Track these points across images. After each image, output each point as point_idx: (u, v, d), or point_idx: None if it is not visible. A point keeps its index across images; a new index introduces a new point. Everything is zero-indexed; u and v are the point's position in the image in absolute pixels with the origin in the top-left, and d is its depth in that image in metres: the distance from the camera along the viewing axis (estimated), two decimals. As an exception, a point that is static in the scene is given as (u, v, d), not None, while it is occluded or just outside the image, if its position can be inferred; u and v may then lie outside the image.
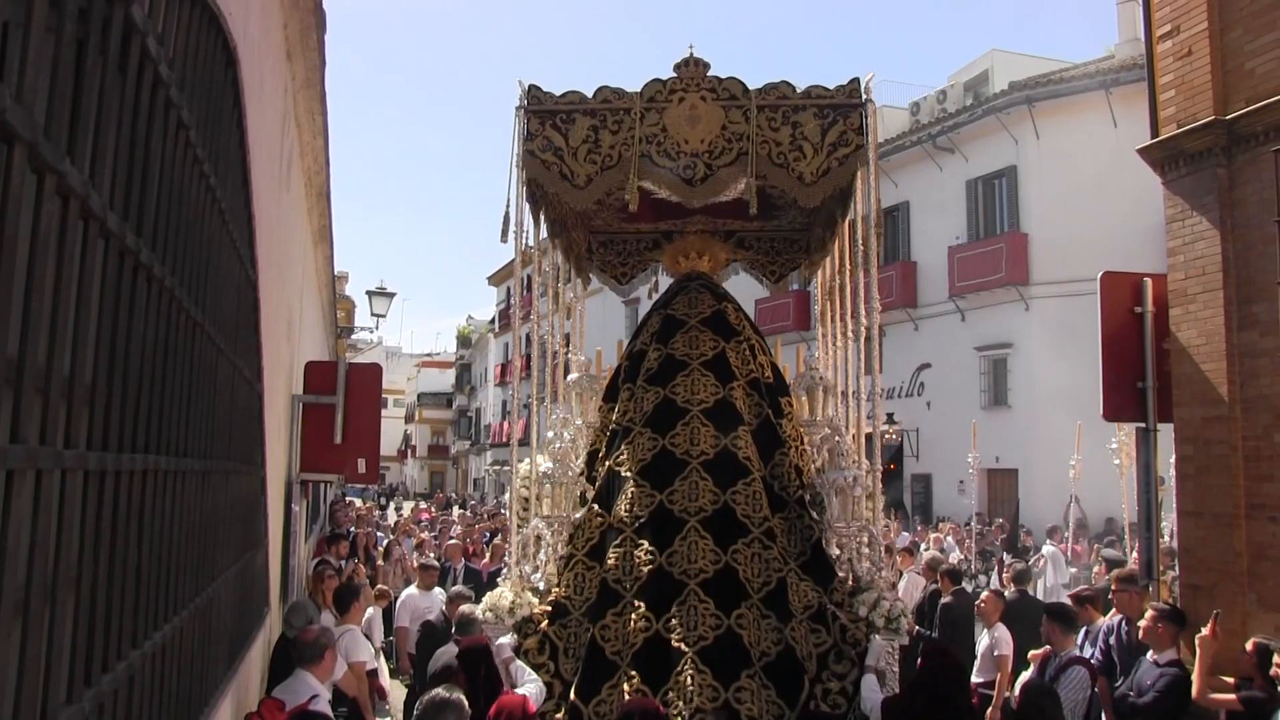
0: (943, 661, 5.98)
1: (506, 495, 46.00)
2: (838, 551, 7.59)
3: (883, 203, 28.40)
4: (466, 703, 4.92)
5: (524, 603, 7.43)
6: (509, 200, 7.55)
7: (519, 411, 8.68)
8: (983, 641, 9.73)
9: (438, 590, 11.71)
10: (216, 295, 4.09)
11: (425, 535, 18.89)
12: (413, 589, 11.74)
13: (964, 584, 11.76)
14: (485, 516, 28.67)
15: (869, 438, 7.79)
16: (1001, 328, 27.25)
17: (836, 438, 8.06)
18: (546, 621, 7.20)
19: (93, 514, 2.31)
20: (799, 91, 7.27)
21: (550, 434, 8.70)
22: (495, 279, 64.65)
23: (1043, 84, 26.57)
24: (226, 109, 4.14)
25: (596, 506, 7.74)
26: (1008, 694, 8.67)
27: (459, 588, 10.50)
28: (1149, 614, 7.70)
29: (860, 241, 7.81)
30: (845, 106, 7.23)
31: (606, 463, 7.96)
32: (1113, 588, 9.12)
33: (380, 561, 15.91)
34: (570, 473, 8.04)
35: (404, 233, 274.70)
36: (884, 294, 29.99)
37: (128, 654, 2.67)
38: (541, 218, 8.13)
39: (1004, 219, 27.57)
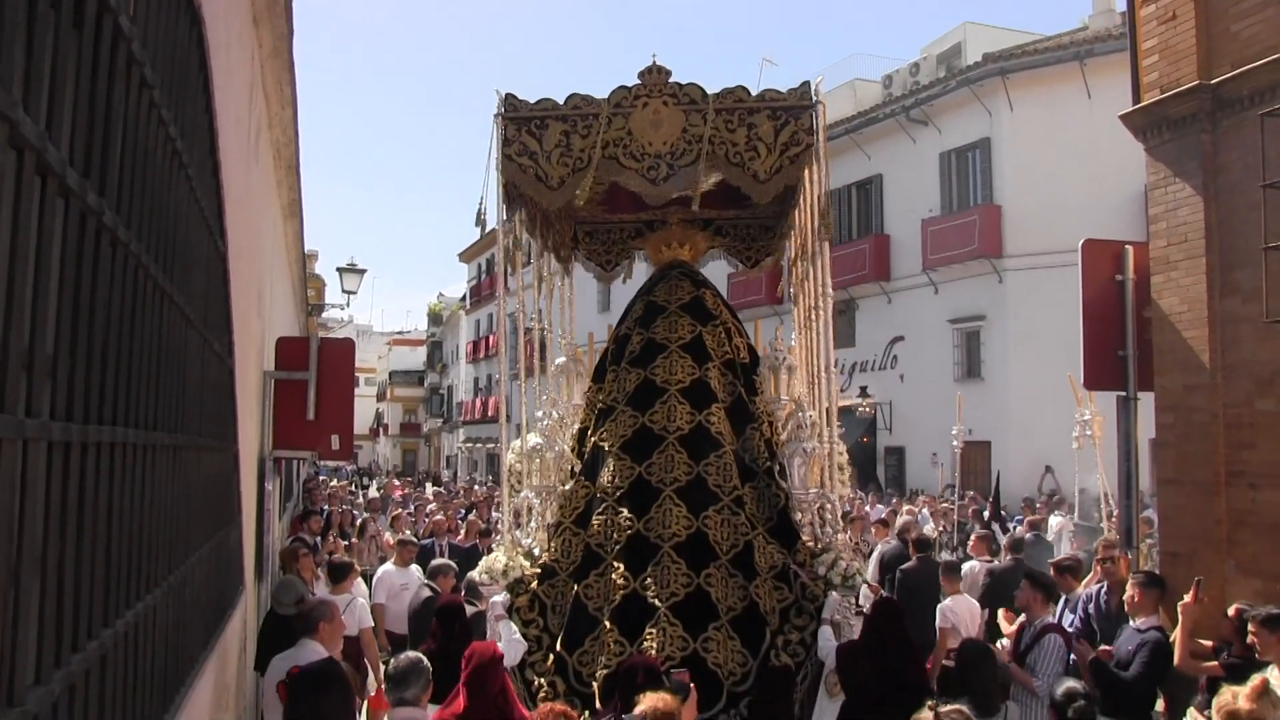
0: (886, 612, 6.78)
1: (477, 472, 46.73)
2: (803, 517, 8.14)
3: (856, 175, 28.61)
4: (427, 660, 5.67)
5: (516, 565, 8.09)
6: (482, 200, 8.28)
7: (508, 389, 9.06)
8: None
9: (414, 567, 11.65)
10: (185, 265, 3.96)
11: (402, 512, 18.73)
12: (389, 565, 11.65)
13: (942, 554, 11.82)
14: (460, 493, 28.58)
15: (833, 412, 8.35)
16: (975, 300, 27.29)
17: (800, 413, 8.46)
18: (536, 582, 8.00)
19: (58, 488, 2.20)
20: (754, 95, 7.84)
21: (539, 413, 9.27)
22: (466, 255, 64.30)
23: (1017, 55, 26.54)
24: (192, 71, 3.99)
25: (583, 478, 8.56)
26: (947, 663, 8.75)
27: (442, 560, 10.72)
28: (1129, 583, 7.71)
29: (813, 228, 8.29)
30: (797, 108, 7.79)
31: (592, 439, 8.77)
32: (1098, 555, 9.14)
33: (355, 539, 15.77)
34: (556, 447, 8.77)
35: (374, 210, 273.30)
36: (857, 267, 30.34)
37: (99, 633, 2.56)
38: (521, 213, 8.60)
39: (977, 191, 27.58)
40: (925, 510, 19.36)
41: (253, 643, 8.05)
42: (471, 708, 5.61)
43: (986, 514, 17.00)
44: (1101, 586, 8.71)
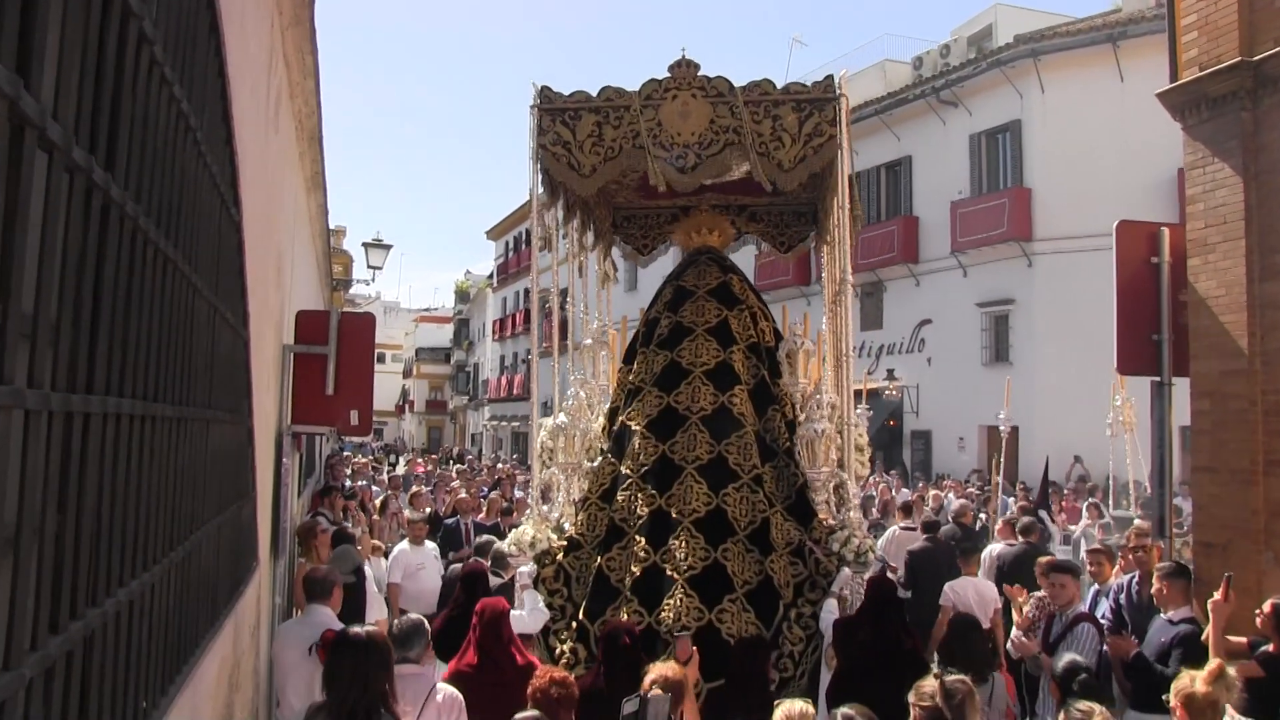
0: (880, 588, 7.13)
1: (503, 450, 47.61)
2: (819, 496, 8.56)
3: (885, 157, 28.45)
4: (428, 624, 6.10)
5: (543, 537, 8.63)
6: (531, 189, 8.86)
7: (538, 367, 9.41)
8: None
9: (429, 544, 11.61)
10: (193, 232, 3.85)
11: (423, 490, 18.66)
12: (404, 545, 11.60)
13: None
14: (484, 471, 28.54)
15: (857, 394, 8.90)
16: (1004, 284, 27.03)
17: (817, 395, 8.75)
18: (562, 554, 8.58)
19: (46, 458, 2.09)
20: (779, 88, 8.24)
21: (570, 391, 9.72)
22: (494, 233, 64.20)
23: (1048, 37, 26.20)
24: (201, 33, 3.87)
25: (610, 456, 9.12)
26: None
27: (487, 536, 10.95)
28: (1155, 576, 7.54)
29: (836, 214, 8.58)
30: (821, 100, 8.15)
31: (620, 418, 9.32)
32: (1129, 543, 8.97)
33: (376, 516, 15.72)
34: (581, 425, 9.28)
35: (402, 186, 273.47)
36: (885, 249, 30.12)
37: (84, 613, 2.45)
38: (562, 198, 9.18)
39: (1008, 174, 27.30)
40: (951, 494, 19.16)
41: (268, 619, 7.97)
42: (484, 658, 6.25)
43: (1034, 499, 16.65)
44: (1133, 576, 8.53)
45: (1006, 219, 26.33)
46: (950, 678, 4.84)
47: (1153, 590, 7.50)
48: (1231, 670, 5.14)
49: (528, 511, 9.53)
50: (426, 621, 6.09)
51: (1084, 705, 4.87)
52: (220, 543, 5.09)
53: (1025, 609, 8.39)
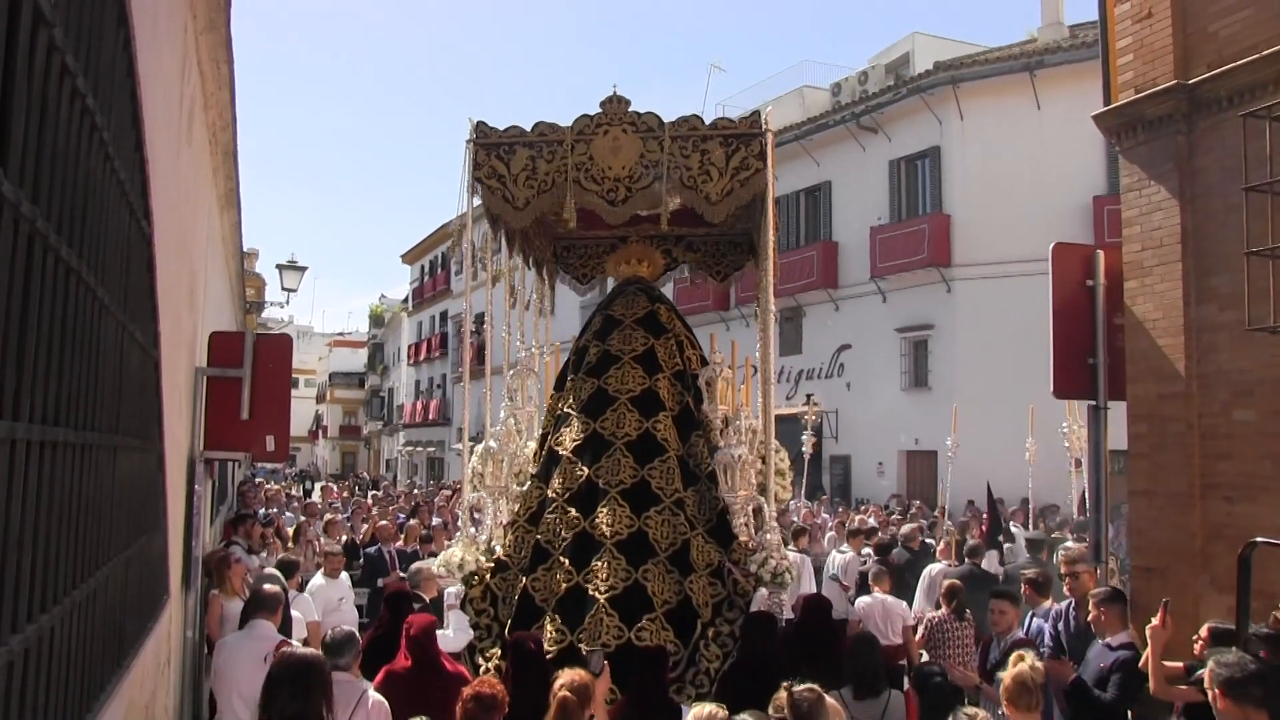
0: (811, 608, 7.89)
1: (418, 476, 47.63)
2: (742, 519, 8.73)
3: (804, 182, 28.63)
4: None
5: (471, 559, 8.84)
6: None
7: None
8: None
9: (344, 576, 11.24)
10: (99, 242, 3.54)
11: (338, 518, 18.15)
12: (319, 578, 11.10)
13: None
14: (399, 498, 28.06)
15: (785, 418, 8.96)
16: (923, 309, 27.20)
17: (735, 420, 8.98)
18: (489, 575, 8.80)
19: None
20: (707, 124, 8.57)
21: (502, 414, 9.83)
22: (409, 257, 63.69)
23: (968, 65, 26.55)
24: (109, 23, 3.56)
25: (538, 480, 9.34)
26: None
27: (423, 563, 10.65)
28: (1090, 602, 7.46)
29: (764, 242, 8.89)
30: (747, 136, 8.43)
31: (548, 443, 9.54)
32: (1062, 570, 8.91)
33: (290, 544, 15.24)
34: (510, 449, 9.50)
35: (315, 210, 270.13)
36: (805, 274, 30.18)
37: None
38: (501, 230, 9.44)
39: (927, 200, 27.54)
40: (872, 519, 19.07)
41: (178, 657, 7.60)
42: (415, 664, 6.75)
43: (984, 528, 16.56)
44: (1070, 603, 8.47)
45: (926, 244, 26.51)
46: (799, 688, 5.03)
47: (1089, 616, 7.42)
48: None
49: (457, 534, 9.82)
50: (357, 632, 6.61)
51: (969, 710, 5.04)
52: (128, 578, 4.74)
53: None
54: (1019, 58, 25.93)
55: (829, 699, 5.15)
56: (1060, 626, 8.40)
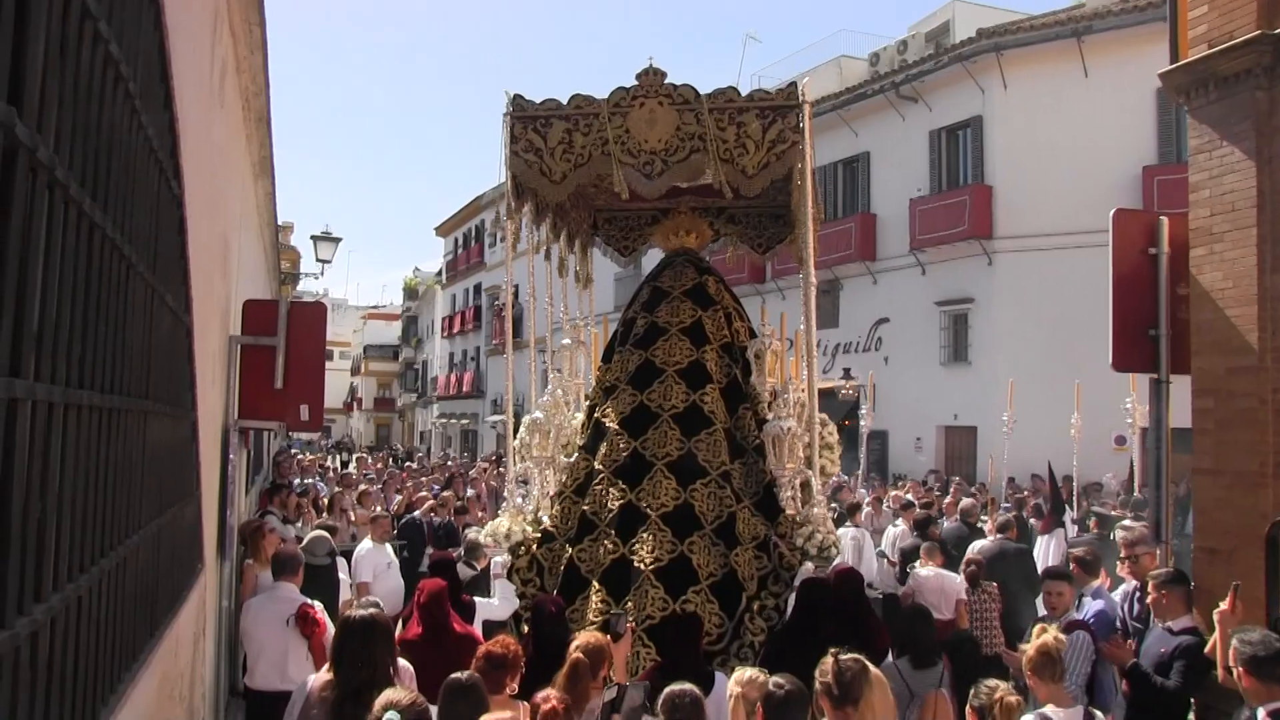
0: (845, 580, 7.56)
1: (451, 448, 47.88)
2: (790, 492, 8.66)
3: (842, 153, 28.26)
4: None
5: (519, 529, 8.92)
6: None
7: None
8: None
9: (388, 544, 11.32)
10: (126, 199, 3.41)
11: (371, 489, 18.16)
12: (368, 543, 11.23)
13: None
14: (434, 470, 28.09)
15: (821, 393, 9.02)
16: (963, 282, 26.81)
17: (785, 394, 8.99)
18: (536, 545, 8.89)
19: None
20: (743, 96, 8.43)
21: (548, 387, 9.92)
22: (443, 230, 63.56)
23: (1012, 31, 25.98)
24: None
25: (585, 452, 9.42)
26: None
27: (473, 536, 10.61)
28: (1150, 584, 7.23)
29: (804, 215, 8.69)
30: (784, 108, 8.32)
31: (596, 415, 9.63)
32: (1122, 552, 8.67)
33: (326, 514, 15.26)
34: (556, 420, 9.47)
35: (347, 182, 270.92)
36: (842, 246, 29.81)
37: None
38: (530, 204, 9.30)
39: (968, 171, 27.06)
40: (909, 495, 18.86)
41: (214, 626, 7.57)
42: (426, 630, 6.95)
43: (1047, 506, 16.33)
44: (1136, 586, 8.23)
45: (967, 216, 26.06)
46: (845, 656, 5.04)
47: (1149, 599, 7.18)
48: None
49: (504, 504, 9.90)
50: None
51: (991, 683, 5.05)
52: (160, 546, 4.64)
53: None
54: (1066, 24, 25.29)
55: (874, 669, 5.14)
56: (1124, 609, 8.20)
